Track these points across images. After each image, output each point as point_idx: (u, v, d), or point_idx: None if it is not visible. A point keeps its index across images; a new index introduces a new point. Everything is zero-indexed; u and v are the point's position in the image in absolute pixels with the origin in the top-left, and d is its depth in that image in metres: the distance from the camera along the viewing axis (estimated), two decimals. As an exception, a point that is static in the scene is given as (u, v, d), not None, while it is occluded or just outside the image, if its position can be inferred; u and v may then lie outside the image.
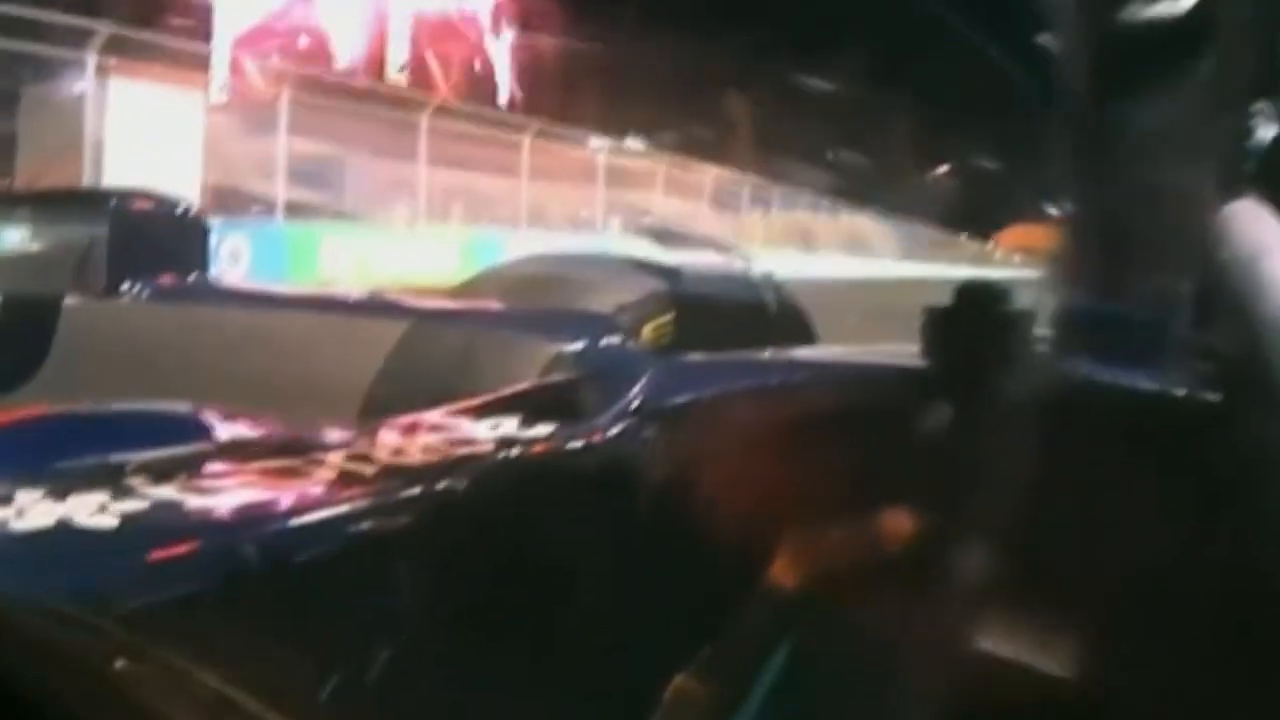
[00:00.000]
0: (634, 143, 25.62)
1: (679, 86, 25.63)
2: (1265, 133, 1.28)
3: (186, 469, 1.16)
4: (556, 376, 1.81)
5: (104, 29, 13.73)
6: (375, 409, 1.99)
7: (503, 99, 26.84)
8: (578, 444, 1.49)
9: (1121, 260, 1.27)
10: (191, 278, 2.86)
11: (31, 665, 0.56)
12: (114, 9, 15.46)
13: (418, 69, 25.31)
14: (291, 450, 1.30)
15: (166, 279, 2.75)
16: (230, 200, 15.15)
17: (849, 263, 26.08)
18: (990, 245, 32.16)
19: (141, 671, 0.58)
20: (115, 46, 13.79)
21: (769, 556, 1.30)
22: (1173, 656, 1.10)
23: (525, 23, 28.07)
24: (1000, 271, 19.52)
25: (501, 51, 28.37)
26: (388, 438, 1.40)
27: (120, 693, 0.56)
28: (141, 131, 13.80)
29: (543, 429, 1.49)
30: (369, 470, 1.23)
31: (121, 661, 0.58)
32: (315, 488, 1.16)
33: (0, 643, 0.58)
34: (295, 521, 1.11)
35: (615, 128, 24.35)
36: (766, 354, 1.93)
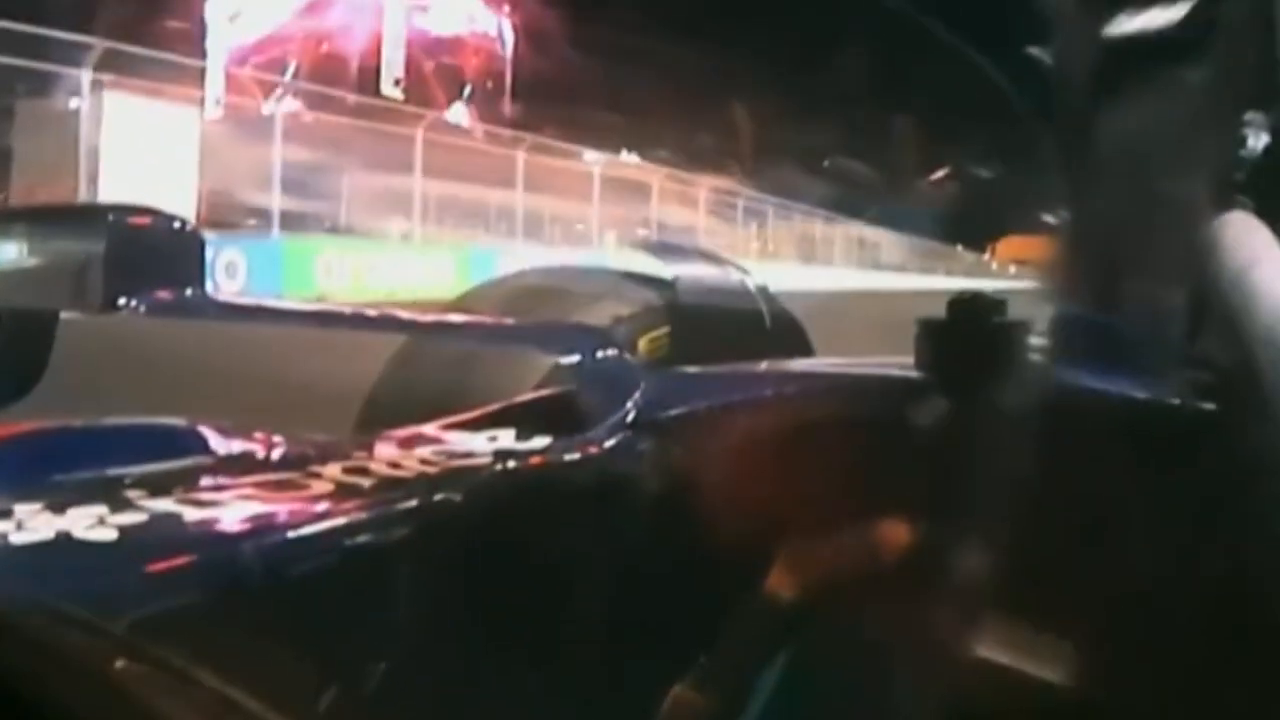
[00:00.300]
0: (630, 155, 25.69)
1: (677, 99, 25.69)
2: (1257, 143, 1.28)
3: (184, 482, 1.16)
4: (553, 389, 1.81)
5: (99, 44, 13.76)
6: (372, 422, 1.99)
7: (508, 113, 26.91)
8: (574, 456, 1.49)
9: (1116, 270, 1.28)
10: (189, 292, 2.85)
11: (31, 665, 0.56)
12: (109, 24, 15.50)
13: (414, 83, 25.35)
14: (289, 463, 1.30)
15: (164, 293, 2.74)
16: (226, 214, 15.18)
17: (845, 274, 26.13)
18: (986, 256, 32.26)
19: (141, 671, 0.58)
20: (110, 62, 13.82)
21: (767, 566, 1.30)
22: (1169, 663, 1.10)
23: (530, 39, 28.16)
24: (996, 282, 19.55)
25: (508, 67, 28.46)
26: (385, 450, 1.40)
27: (120, 693, 0.56)
28: (137, 146, 13.82)
29: (539, 441, 1.50)
30: (366, 482, 1.23)
31: (121, 661, 0.58)
32: (313, 500, 1.16)
33: (0, 643, 0.58)
34: (293, 534, 1.12)
35: (613, 140, 24.41)
36: (762, 365, 1.94)
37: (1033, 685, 1.12)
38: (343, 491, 1.19)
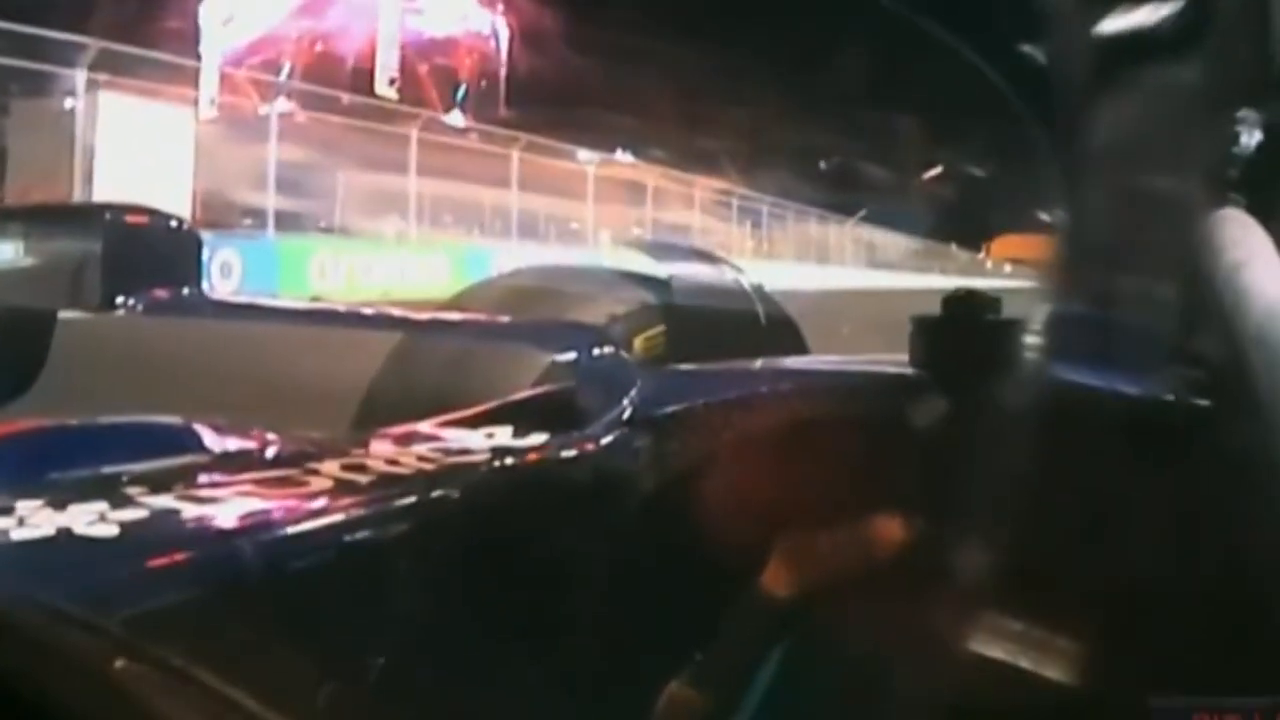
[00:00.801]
0: (625, 155, 25.65)
1: (672, 98, 25.66)
2: (1250, 140, 1.29)
3: (184, 479, 1.17)
4: (549, 387, 1.82)
5: (95, 44, 13.73)
6: (369, 419, 2.00)
7: (503, 112, 26.87)
8: (571, 453, 1.50)
9: (1110, 267, 1.28)
10: (185, 291, 2.87)
11: (31, 665, 0.56)
12: (105, 24, 15.48)
13: (409, 84, 25.32)
14: (286, 461, 1.31)
15: (161, 292, 2.75)
16: (220, 214, 15.15)
17: (840, 273, 26.12)
18: (981, 254, 32.24)
19: (141, 671, 0.59)
20: (106, 62, 13.79)
21: (762, 563, 1.30)
22: (1164, 659, 1.10)
23: (525, 38, 28.13)
24: (991, 280, 19.52)
25: (503, 66, 28.42)
26: (382, 447, 1.41)
27: (120, 692, 0.56)
28: (132, 146, 13.79)
29: (536, 438, 1.50)
30: (364, 479, 1.23)
31: (121, 661, 0.59)
32: (311, 497, 1.17)
33: (0, 643, 0.59)
34: (292, 530, 1.12)
35: (608, 140, 24.37)
36: (758, 364, 1.94)
37: (1027, 681, 1.12)
38: (341, 488, 1.20)
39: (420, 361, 2.38)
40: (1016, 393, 1.27)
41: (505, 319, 2.73)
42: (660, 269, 3.34)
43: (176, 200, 12.91)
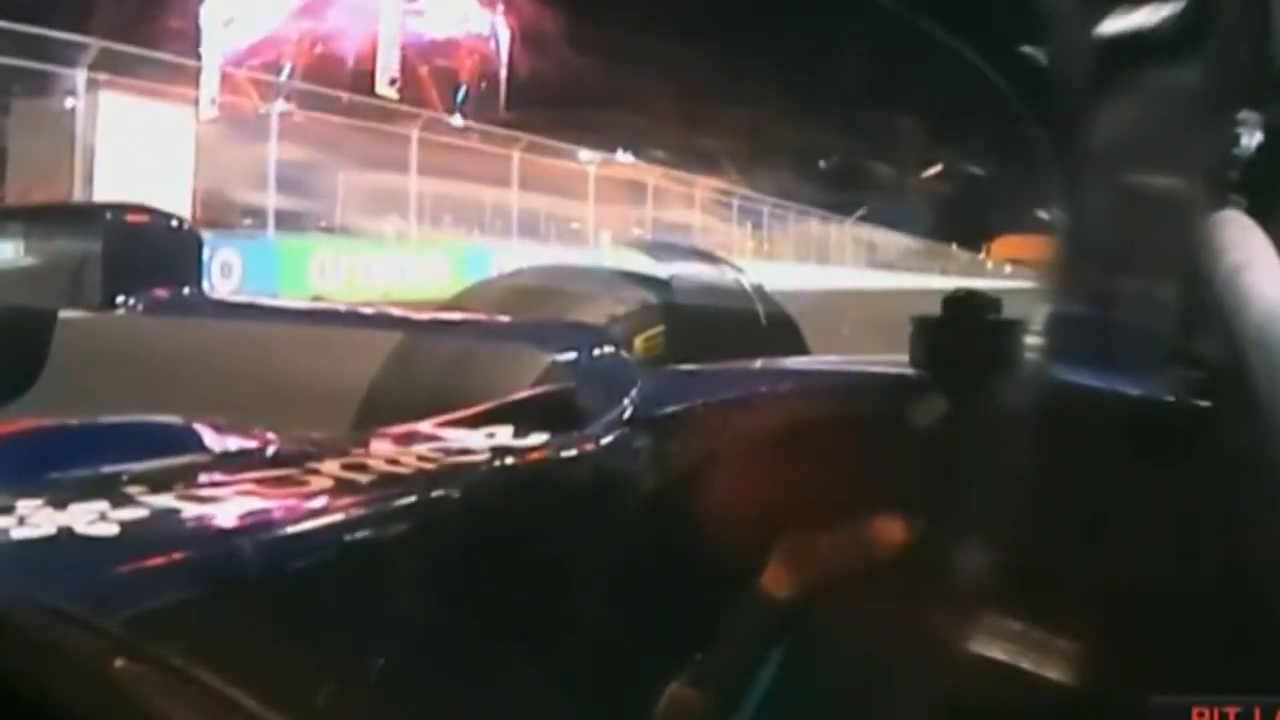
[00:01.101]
0: (626, 155, 25.63)
1: (673, 98, 25.64)
2: (1250, 141, 1.29)
3: (184, 478, 1.17)
4: (550, 386, 1.82)
5: (95, 44, 13.73)
6: (369, 419, 2.00)
7: (503, 112, 26.85)
8: (571, 453, 1.50)
9: (1110, 268, 1.28)
10: (186, 291, 2.87)
11: (31, 665, 0.56)
12: (105, 24, 15.47)
13: (410, 85, 25.32)
14: (287, 460, 1.31)
15: (161, 292, 2.76)
16: (221, 214, 15.15)
17: (841, 273, 26.10)
18: (982, 255, 32.23)
19: (141, 671, 0.59)
20: (106, 61, 13.79)
21: (762, 563, 1.30)
22: (1163, 660, 1.10)
23: (525, 38, 28.12)
24: (991, 281, 19.51)
25: (503, 67, 28.41)
26: (383, 447, 1.41)
27: (120, 692, 0.56)
28: (132, 145, 13.79)
29: (536, 438, 1.50)
30: (364, 479, 1.23)
31: (121, 661, 0.59)
32: (311, 496, 1.17)
33: (0, 643, 0.59)
34: (292, 529, 1.12)
35: (609, 140, 24.35)
36: (758, 364, 1.94)
37: (1027, 681, 1.12)
38: (341, 488, 1.20)
39: (421, 361, 2.38)
40: (1017, 393, 1.28)
41: (505, 319, 2.73)
42: (660, 269, 3.34)
43: (177, 200, 12.90)
